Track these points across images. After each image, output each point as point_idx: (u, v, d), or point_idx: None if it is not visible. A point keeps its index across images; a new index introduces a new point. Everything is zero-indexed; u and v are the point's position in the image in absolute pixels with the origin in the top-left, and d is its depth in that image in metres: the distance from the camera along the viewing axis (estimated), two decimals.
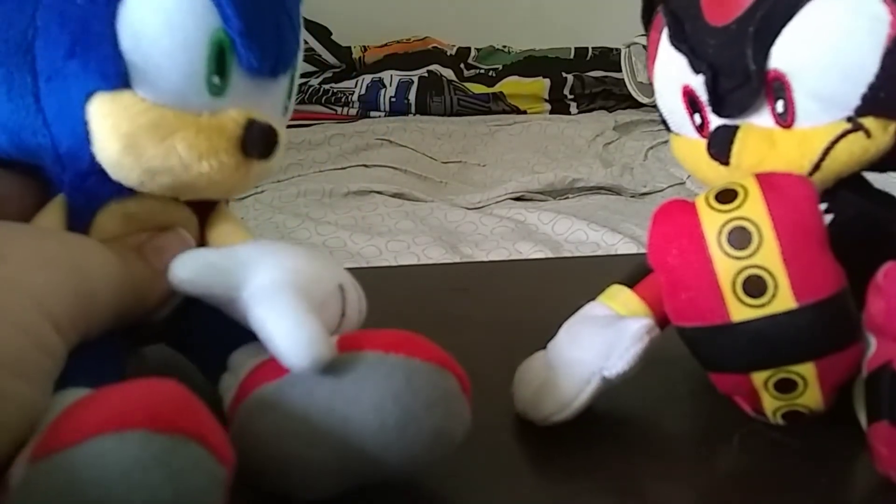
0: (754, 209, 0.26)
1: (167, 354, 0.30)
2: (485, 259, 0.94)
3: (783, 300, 0.25)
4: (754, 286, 0.25)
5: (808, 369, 0.26)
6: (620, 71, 1.77)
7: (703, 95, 0.30)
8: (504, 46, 1.93)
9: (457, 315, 0.41)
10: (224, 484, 0.20)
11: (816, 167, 0.29)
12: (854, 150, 0.28)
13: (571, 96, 1.74)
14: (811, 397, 0.27)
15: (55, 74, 0.25)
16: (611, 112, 1.73)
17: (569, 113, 1.72)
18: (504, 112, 1.69)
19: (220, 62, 0.26)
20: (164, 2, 0.25)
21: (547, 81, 1.74)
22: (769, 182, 0.27)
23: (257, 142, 0.27)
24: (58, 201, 0.27)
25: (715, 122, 0.31)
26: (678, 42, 0.30)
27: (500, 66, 1.80)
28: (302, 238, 1.02)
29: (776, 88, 0.29)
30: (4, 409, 0.20)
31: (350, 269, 0.28)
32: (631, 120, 1.65)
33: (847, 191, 0.30)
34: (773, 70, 0.28)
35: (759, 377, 0.27)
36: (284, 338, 0.24)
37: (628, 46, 1.77)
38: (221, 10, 0.26)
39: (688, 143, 0.33)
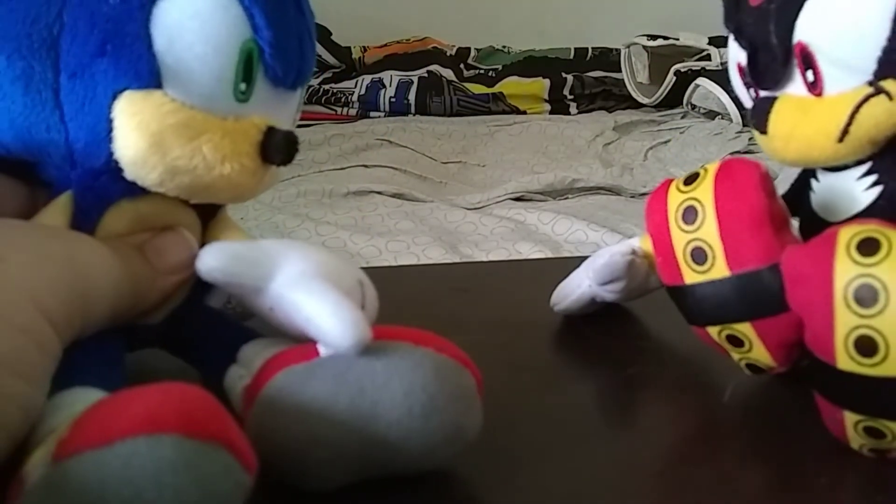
0: (704, 191, 0.30)
1: (162, 357, 0.30)
2: (485, 259, 0.94)
3: (719, 268, 0.30)
4: (699, 255, 0.30)
5: (746, 328, 0.30)
6: (620, 71, 1.77)
7: (748, 71, 0.33)
8: (504, 47, 1.93)
9: (457, 315, 0.41)
10: (248, 490, 0.20)
11: (845, 132, 0.29)
12: (877, 113, 0.29)
13: (571, 96, 1.74)
14: (760, 354, 0.31)
15: (81, 71, 0.25)
16: (610, 112, 1.73)
17: (568, 113, 1.72)
18: (504, 112, 1.69)
19: (247, 70, 0.27)
20: (200, 8, 0.26)
21: (547, 82, 1.74)
22: (725, 169, 0.30)
23: (280, 148, 0.28)
24: (63, 199, 0.27)
25: (763, 95, 0.33)
26: (727, 23, 0.33)
27: (500, 67, 1.81)
28: (302, 238, 1.02)
29: (805, 59, 0.30)
30: (6, 409, 0.20)
31: None
32: (631, 120, 1.65)
33: None
34: (799, 42, 0.30)
35: (713, 331, 0.31)
36: (329, 317, 0.24)
37: (628, 47, 1.77)
38: (253, 21, 0.27)
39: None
